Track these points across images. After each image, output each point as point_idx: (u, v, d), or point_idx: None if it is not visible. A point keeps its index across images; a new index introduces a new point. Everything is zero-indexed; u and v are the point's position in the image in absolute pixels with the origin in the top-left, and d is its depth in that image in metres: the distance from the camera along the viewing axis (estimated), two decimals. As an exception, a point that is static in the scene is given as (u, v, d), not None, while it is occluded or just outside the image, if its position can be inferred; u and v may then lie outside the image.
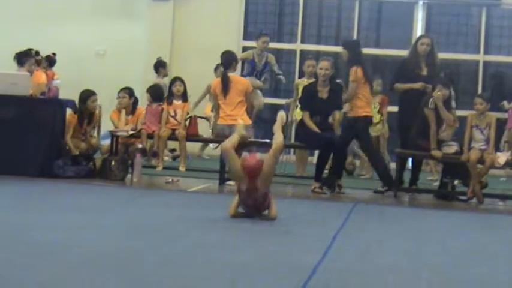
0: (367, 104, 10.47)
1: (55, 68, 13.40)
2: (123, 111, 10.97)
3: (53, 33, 14.93)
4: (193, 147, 13.25)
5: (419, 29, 16.74)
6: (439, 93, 9.93)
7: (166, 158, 13.20)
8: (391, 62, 15.80)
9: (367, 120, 10.58)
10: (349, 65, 10.48)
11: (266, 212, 7.06)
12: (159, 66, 13.52)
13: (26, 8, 17.05)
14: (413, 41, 11.64)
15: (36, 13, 16.92)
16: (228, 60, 10.82)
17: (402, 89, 10.68)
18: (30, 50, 12.25)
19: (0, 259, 4.81)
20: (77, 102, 10.68)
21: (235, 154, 7.25)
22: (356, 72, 10.29)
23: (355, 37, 17.18)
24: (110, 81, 13.93)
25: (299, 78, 13.89)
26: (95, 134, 10.94)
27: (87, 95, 10.67)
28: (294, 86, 12.35)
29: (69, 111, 10.65)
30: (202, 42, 15.78)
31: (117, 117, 10.98)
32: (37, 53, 12.64)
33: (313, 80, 11.24)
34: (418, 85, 10.47)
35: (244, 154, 7.43)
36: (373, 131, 12.00)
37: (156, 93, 11.13)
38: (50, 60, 12.20)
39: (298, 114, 11.49)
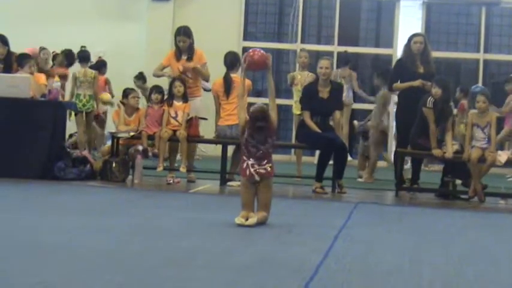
0: None
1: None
2: (122, 109, 10.96)
3: (53, 35, 14.92)
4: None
5: (419, 28, 16.73)
6: (438, 92, 9.89)
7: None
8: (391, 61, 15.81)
9: None
10: None
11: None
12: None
13: (25, 9, 17.05)
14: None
15: (35, 15, 16.92)
16: (231, 61, 10.83)
17: (401, 88, 10.69)
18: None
19: (2, 260, 4.82)
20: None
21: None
22: None
23: (355, 36, 17.23)
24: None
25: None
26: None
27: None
28: (288, 79, 12.15)
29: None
30: (202, 43, 15.74)
31: (118, 117, 10.99)
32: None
33: (305, 71, 11.50)
34: (416, 82, 10.45)
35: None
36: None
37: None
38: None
39: (296, 109, 11.41)
